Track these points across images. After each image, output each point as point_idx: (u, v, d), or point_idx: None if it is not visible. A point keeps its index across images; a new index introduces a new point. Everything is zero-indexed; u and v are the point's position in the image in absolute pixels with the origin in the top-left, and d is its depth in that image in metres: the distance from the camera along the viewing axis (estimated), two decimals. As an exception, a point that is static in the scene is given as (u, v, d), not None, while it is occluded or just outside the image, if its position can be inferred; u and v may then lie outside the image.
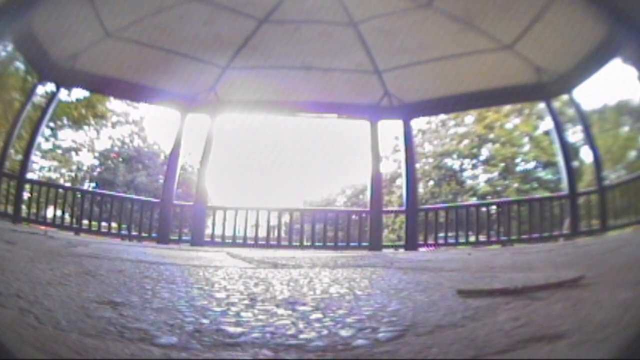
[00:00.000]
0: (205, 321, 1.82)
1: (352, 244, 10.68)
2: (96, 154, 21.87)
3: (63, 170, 20.92)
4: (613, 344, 1.45)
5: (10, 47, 9.48)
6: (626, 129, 14.67)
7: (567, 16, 8.44)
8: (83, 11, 8.37)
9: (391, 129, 12.41)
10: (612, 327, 1.53)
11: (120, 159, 21.58)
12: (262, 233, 10.75)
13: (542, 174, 20.69)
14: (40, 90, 10.49)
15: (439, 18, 9.15)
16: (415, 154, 12.02)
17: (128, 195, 14.03)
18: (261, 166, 25.13)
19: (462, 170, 24.16)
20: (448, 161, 23.90)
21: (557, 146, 10.74)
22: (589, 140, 10.53)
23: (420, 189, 23.65)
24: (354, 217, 11.38)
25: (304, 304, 2.21)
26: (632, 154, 14.11)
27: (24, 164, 10.10)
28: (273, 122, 18.73)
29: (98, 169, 21.77)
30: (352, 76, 10.71)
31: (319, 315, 1.98)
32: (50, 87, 10.30)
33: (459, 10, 9.04)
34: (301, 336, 1.67)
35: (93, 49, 9.39)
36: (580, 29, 8.59)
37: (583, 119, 10.61)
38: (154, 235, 10.30)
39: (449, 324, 1.76)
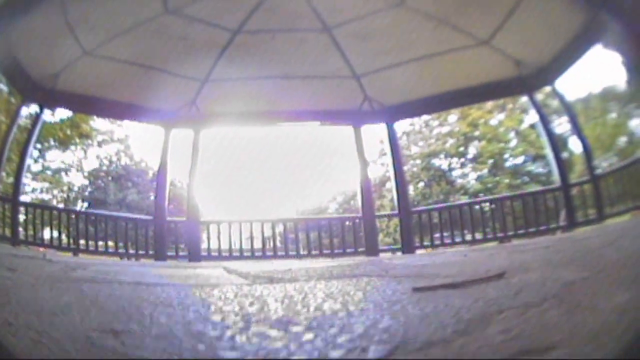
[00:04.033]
0: (201, 346, 1.79)
1: (348, 250, 10.64)
2: (85, 174, 22.11)
3: (55, 192, 21.09)
4: (613, 344, 1.46)
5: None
6: (613, 115, 14.71)
7: (543, 5, 8.37)
8: (59, 29, 8.21)
9: (376, 133, 12.39)
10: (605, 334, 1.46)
11: (110, 178, 21.70)
12: (258, 244, 10.76)
13: (532, 167, 20.78)
14: (25, 111, 10.41)
15: (412, 17, 9.06)
16: (401, 157, 12.02)
17: (122, 214, 13.95)
18: (250, 178, 25.23)
19: (450, 169, 24.39)
20: (436, 161, 24.14)
21: (544, 139, 10.70)
22: (577, 130, 10.51)
23: (411, 191, 23.90)
24: (347, 223, 11.31)
25: (297, 324, 2.11)
26: (622, 140, 14.13)
27: (17, 187, 9.98)
28: (259, 133, 18.66)
29: (89, 189, 21.98)
30: (331, 82, 10.65)
31: (310, 335, 1.90)
32: (34, 108, 10.21)
33: (432, 7, 8.97)
34: (293, 357, 1.64)
35: (72, 67, 9.24)
36: (557, 18, 8.55)
37: (568, 109, 10.58)
38: (151, 252, 10.26)
39: (440, 339, 1.68)
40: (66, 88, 9.68)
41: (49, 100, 9.99)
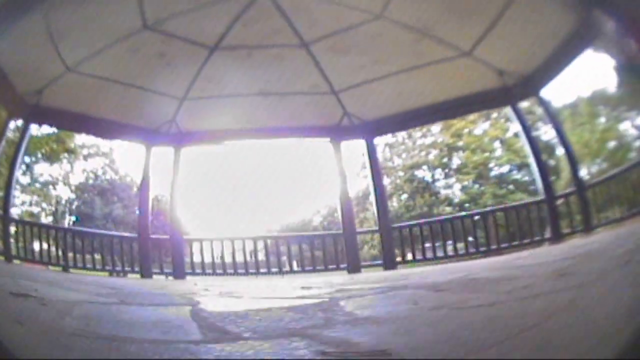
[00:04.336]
0: None
1: (330, 266, 10.65)
2: (72, 188, 22.16)
3: (44, 205, 21.14)
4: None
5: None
6: (602, 119, 14.37)
7: (529, 13, 8.10)
8: (43, 44, 8.18)
9: (358, 146, 12.20)
10: None
11: (95, 192, 22.00)
12: (242, 259, 10.92)
13: (518, 176, 20.57)
14: (13, 125, 10.31)
15: (392, 30, 8.91)
16: (381, 173, 12.01)
17: (109, 232, 14.08)
18: (234, 194, 25.67)
19: (435, 181, 24.16)
20: (419, 173, 24.01)
21: (528, 150, 10.52)
22: (562, 140, 10.21)
23: (395, 204, 23.97)
24: (327, 239, 11.28)
25: None
26: (612, 144, 13.79)
27: (6, 201, 10.01)
28: (241, 150, 18.72)
29: (76, 203, 22.05)
30: (310, 98, 10.60)
31: None
32: (20, 122, 10.26)
33: (412, 19, 8.78)
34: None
35: (55, 84, 9.24)
36: (544, 24, 8.30)
37: (553, 118, 10.37)
38: (137, 269, 10.43)
39: None
40: (50, 104, 9.71)
41: (33, 115, 10.02)
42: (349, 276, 9.66)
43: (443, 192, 23.53)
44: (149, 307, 6.20)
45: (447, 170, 23.80)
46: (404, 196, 23.94)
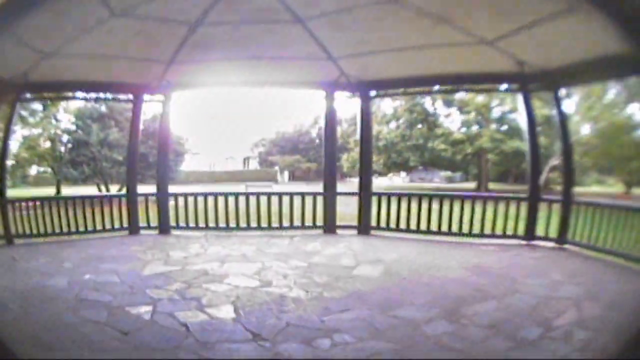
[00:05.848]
0: None
1: (307, 224, 10.93)
2: (72, 114, 22.66)
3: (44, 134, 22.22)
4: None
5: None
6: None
7: (583, 28, 6.62)
8: (16, 44, 7.72)
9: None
10: None
11: (93, 118, 22.22)
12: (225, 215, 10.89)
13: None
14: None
15: (405, 13, 7.78)
16: (371, 134, 11.38)
17: (101, 194, 14.85)
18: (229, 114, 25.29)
19: (434, 111, 23.61)
20: (421, 100, 23.14)
21: (528, 145, 9.95)
22: (565, 146, 9.52)
23: (393, 127, 22.77)
24: (308, 198, 11.21)
25: None
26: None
27: (2, 184, 10.13)
28: None
29: (74, 127, 22.46)
30: (306, 62, 10.01)
31: None
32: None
33: (434, 6, 7.64)
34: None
35: (38, 67, 9.08)
36: (596, 41, 6.96)
37: (563, 120, 9.50)
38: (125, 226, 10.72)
39: None
40: (37, 79, 9.75)
41: (23, 92, 10.32)
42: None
43: (445, 125, 23.11)
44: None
45: (449, 102, 23.13)
46: (402, 123, 23.17)
